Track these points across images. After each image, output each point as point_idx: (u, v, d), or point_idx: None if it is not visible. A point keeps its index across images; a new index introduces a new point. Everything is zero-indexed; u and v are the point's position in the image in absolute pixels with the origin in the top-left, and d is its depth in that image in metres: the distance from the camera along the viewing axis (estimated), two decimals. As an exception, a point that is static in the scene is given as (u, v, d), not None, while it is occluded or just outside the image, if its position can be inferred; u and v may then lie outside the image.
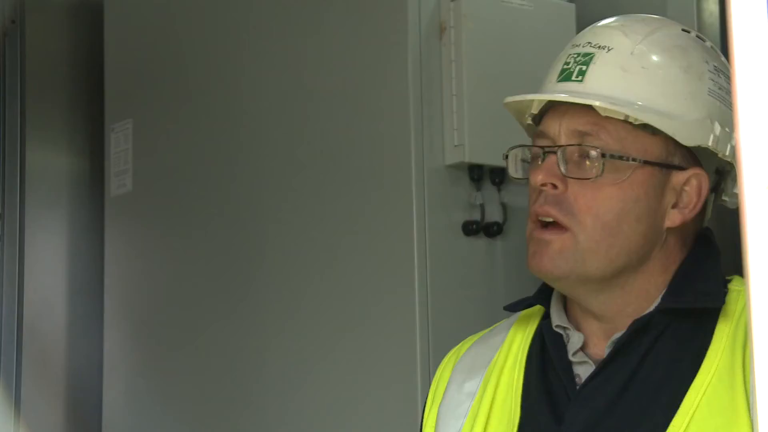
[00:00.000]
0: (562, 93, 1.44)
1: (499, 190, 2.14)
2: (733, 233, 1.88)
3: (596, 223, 1.40)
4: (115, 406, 2.77)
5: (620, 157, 1.40)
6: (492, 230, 2.13)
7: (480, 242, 2.13)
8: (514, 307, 1.55)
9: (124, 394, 2.75)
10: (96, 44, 2.95)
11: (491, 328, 1.63)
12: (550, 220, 1.42)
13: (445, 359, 1.63)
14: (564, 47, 1.52)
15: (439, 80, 2.11)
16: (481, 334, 1.63)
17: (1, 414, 2.82)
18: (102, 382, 2.81)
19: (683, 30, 1.49)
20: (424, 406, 1.61)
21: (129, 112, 2.83)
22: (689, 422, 1.34)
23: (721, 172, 1.49)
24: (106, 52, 2.92)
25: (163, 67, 2.75)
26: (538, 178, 1.42)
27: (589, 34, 1.48)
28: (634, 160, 1.40)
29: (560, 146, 1.42)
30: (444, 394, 1.56)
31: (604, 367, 1.41)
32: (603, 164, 1.39)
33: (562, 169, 1.41)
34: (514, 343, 1.53)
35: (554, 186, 1.42)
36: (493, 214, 2.13)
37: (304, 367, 2.27)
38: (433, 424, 1.55)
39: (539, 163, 1.45)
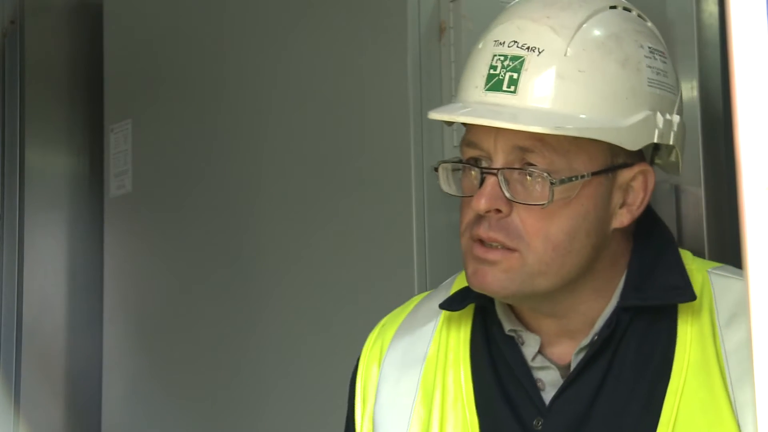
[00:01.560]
0: (494, 107, 1.31)
1: (498, 190, 2.14)
2: (733, 233, 1.88)
3: (546, 245, 1.32)
4: (115, 406, 2.78)
5: (569, 179, 1.31)
6: (491, 231, 2.13)
7: (479, 243, 2.13)
8: (450, 306, 1.46)
9: (124, 394, 2.75)
10: (95, 45, 2.96)
11: (410, 307, 1.56)
12: (497, 245, 1.33)
13: (366, 349, 1.55)
14: (483, 36, 1.38)
15: (438, 81, 2.11)
16: (401, 316, 1.55)
17: (1, 413, 2.82)
18: (102, 381, 2.81)
19: (611, 7, 1.37)
20: (351, 403, 1.52)
21: (128, 112, 2.83)
22: (672, 430, 1.30)
23: (659, 145, 1.41)
24: (105, 53, 2.92)
25: (163, 67, 2.75)
26: (481, 205, 1.31)
27: (512, 29, 1.34)
28: (582, 176, 1.31)
29: (500, 169, 1.32)
30: (377, 395, 1.48)
31: (575, 377, 1.36)
32: (553, 191, 1.30)
33: (506, 192, 1.31)
34: (450, 340, 1.46)
35: (498, 210, 1.32)
36: (493, 215, 2.13)
37: (305, 366, 2.27)
38: (371, 427, 1.48)
39: (473, 177, 1.35)
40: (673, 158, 1.43)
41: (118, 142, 2.84)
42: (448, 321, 1.48)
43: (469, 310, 1.47)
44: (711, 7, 2.11)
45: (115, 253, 2.83)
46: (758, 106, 0.65)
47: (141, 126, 2.79)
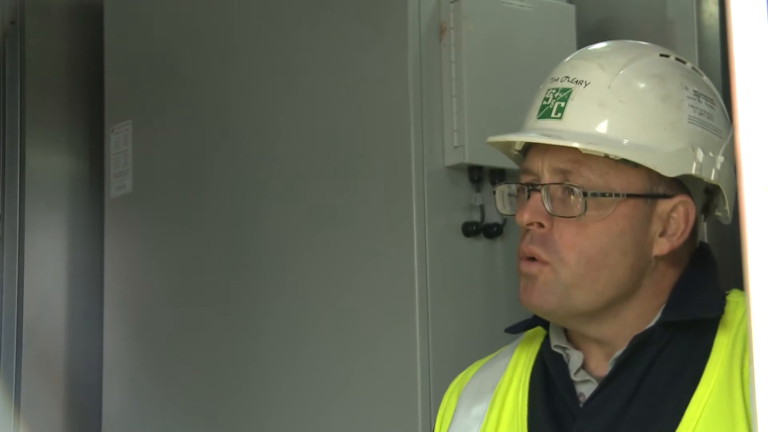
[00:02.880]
0: (542, 130, 1.45)
1: (498, 191, 2.14)
2: (733, 235, 1.88)
3: (580, 258, 1.42)
4: (115, 406, 2.77)
5: (602, 194, 1.41)
6: (492, 231, 2.13)
7: (480, 243, 2.13)
8: (514, 329, 1.57)
9: (124, 394, 2.75)
10: (96, 45, 2.95)
11: (497, 353, 1.64)
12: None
13: (451, 387, 1.64)
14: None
15: (439, 81, 2.11)
16: (486, 359, 1.64)
17: (1, 414, 2.82)
18: (102, 382, 2.81)
19: (662, 55, 1.49)
20: None
21: (129, 113, 2.83)
22: None
23: (711, 190, 1.50)
24: (106, 53, 2.92)
25: (163, 68, 2.75)
26: (524, 217, 1.44)
27: (567, 68, 1.49)
28: (617, 195, 1.41)
29: (543, 185, 1.44)
30: (452, 420, 1.57)
31: (606, 383, 1.42)
32: (585, 202, 1.41)
33: (547, 207, 1.43)
34: (519, 365, 1.55)
35: (540, 225, 1.44)
36: (493, 216, 2.13)
37: (305, 367, 2.27)
38: None
39: (525, 198, 1.47)
40: (727, 207, 1.50)
41: (119, 143, 2.84)
42: (521, 350, 1.58)
43: (541, 335, 1.55)
44: (711, 7, 2.11)
45: (115, 253, 2.83)
46: (758, 107, 0.65)
47: (141, 126, 2.79)
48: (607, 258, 1.42)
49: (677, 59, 1.50)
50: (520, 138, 1.48)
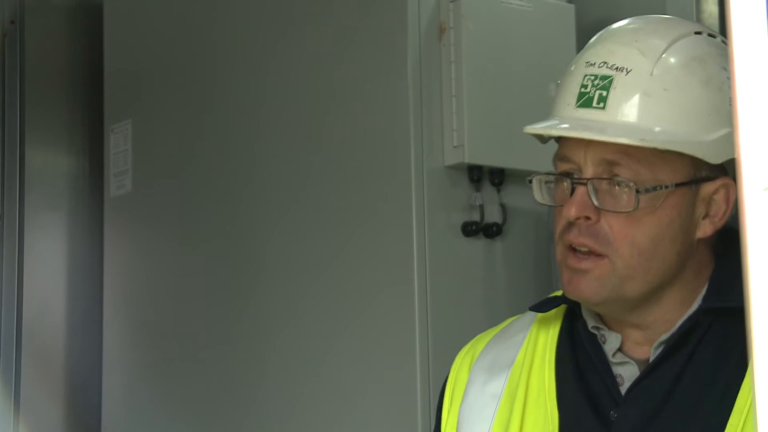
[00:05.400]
0: (585, 122, 1.41)
1: (498, 190, 2.14)
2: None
3: (633, 250, 1.40)
4: (114, 406, 2.78)
5: (654, 188, 1.40)
6: (491, 231, 2.13)
7: (479, 243, 2.13)
8: (540, 308, 1.54)
9: (124, 394, 2.75)
10: (96, 45, 2.95)
11: (504, 324, 1.62)
12: (586, 249, 1.42)
13: (459, 359, 1.61)
14: (573, 57, 1.48)
15: (438, 81, 2.11)
16: (494, 331, 1.61)
17: (1, 414, 2.82)
18: (102, 382, 2.81)
19: (696, 33, 1.47)
20: (440, 410, 1.59)
21: (129, 112, 2.83)
22: (744, 422, 1.35)
23: None
24: (105, 53, 2.92)
25: (163, 67, 2.75)
26: (572, 212, 1.41)
27: (603, 52, 1.44)
28: (666, 187, 1.40)
29: (589, 179, 1.41)
30: (464, 396, 1.55)
31: (652, 368, 1.42)
32: (638, 199, 1.39)
33: (594, 201, 1.41)
34: (539, 343, 1.53)
35: (587, 217, 1.41)
36: (493, 215, 2.14)
37: (305, 367, 2.28)
38: (454, 427, 1.54)
39: (565, 188, 1.44)
40: None
41: (118, 142, 2.84)
42: (539, 327, 1.55)
43: (559, 315, 1.54)
44: (711, 7, 2.11)
45: (114, 253, 2.83)
46: (758, 106, 0.65)
47: (141, 126, 2.79)
48: (657, 248, 1.41)
49: (709, 35, 1.48)
50: (565, 133, 1.42)
